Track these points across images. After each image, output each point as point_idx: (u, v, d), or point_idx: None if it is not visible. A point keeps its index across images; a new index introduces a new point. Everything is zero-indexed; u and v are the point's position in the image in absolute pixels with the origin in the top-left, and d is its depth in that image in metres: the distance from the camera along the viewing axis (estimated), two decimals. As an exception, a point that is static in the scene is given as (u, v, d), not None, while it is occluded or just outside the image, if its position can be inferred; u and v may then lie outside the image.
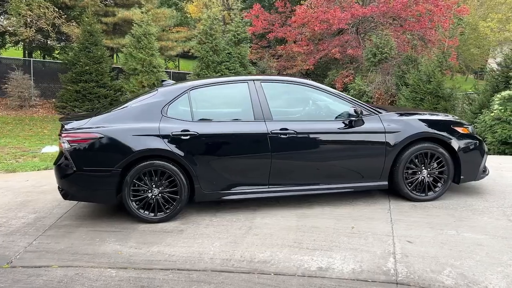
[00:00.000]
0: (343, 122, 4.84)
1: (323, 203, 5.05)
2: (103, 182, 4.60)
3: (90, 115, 4.99)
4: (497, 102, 10.93)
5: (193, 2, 27.49)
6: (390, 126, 4.86)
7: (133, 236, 4.39)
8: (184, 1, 28.73)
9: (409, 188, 4.95)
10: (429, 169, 4.94)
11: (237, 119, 4.85)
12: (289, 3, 20.23)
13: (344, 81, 17.23)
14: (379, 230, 4.25)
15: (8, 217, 5.10)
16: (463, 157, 4.92)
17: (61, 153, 4.78)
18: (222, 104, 5.13)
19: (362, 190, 4.99)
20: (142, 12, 17.36)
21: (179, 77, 19.75)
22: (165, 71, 17.86)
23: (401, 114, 5.07)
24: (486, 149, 5.15)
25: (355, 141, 4.83)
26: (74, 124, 4.72)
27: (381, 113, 4.96)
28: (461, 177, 4.97)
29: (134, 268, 3.72)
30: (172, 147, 4.59)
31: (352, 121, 4.80)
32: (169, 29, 23.72)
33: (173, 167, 4.63)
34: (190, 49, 24.59)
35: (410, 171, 4.93)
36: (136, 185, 4.62)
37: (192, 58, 31.39)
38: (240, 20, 18.04)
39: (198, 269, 3.64)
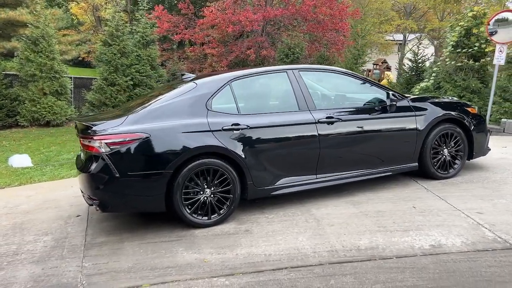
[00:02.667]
0: (381, 108, 4.95)
1: (361, 190, 5.09)
2: (152, 186, 4.08)
3: (118, 114, 4.39)
4: (417, 92, 12.11)
5: (78, 3, 25.45)
6: (418, 109, 5.10)
7: (200, 242, 3.97)
8: (68, 2, 26.47)
9: (435, 168, 5.25)
10: (449, 148, 5.30)
11: (282, 110, 4.66)
12: (192, 4, 19.91)
13: (257, 81, 17.44)
14: (441, 207, 4.45)
15: (15, 242, 4.24)
16: (475, 135, 5.38)
17: (90, 158, 4.11)
18: (264, 95, 4.89)
19: (397, 172, 5.15)
20: (32, 12, 15.57)
21: (82, 83, 18.11)
22: (68, 77, 16.30)
23: (419, 99, 5.36)
24: (487, 127, 5.70)
25: (394, 125, 4.97)
26: (109, 124, 4.11)
27: (407, 97, 5.19)
28: (474, 153, 5.43)
29: (241, 273, 3.37)
30: (225, 143, 4.26)
31: (390, 106, 4.93)
32: (57, 32, 21.66)
33: (225, 164, 4.29)
34: (79, 55, 22.88)
35: (433, 151, 5.23)
36: (188, 187, 4.18)
37: (75, 64, 29.16)
38: (147, 21, 17.27)
39: (314, 264, 3.43)
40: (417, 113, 5.07)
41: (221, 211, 4.33)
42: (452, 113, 5.25)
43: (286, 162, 4.55)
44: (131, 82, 16.61)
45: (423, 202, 4.61)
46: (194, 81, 4.54)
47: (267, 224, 4.30)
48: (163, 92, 4.66)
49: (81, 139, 4.30)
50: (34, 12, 15.54)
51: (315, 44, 18.55)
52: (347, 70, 5.16)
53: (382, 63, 31.44)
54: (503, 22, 8.64)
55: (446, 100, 5.60)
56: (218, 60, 18.22)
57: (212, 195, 4.28)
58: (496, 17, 8.83)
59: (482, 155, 5.60)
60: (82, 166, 4.25)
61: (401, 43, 35.47)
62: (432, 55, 17.38)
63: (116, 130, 4.02)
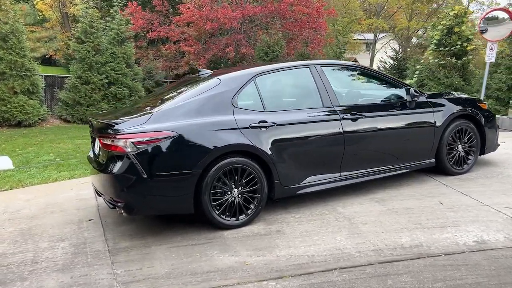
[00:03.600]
0: (402, 104, 4.92)
1: (380, 187, 5.02)
2: (181, 187, 3.87)
3: (139, 111, 4.16)
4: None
5: (44, -1, 24.42)
6: (436, 105, 5.10)
7: (233, 244, 3.79)
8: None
9: (451, 163, 5.27)
10: (462, 144, 5.33)
11: (306, 107, 4.53)
12: (166, 1, 19.46)
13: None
14: (467, 202, 4.45)
15: (29, 250, 3.94)
16: (487, 131, 5.43)
17: (112, 158, 3.87)
18: (288, 91, 4.77)
19: (416, 169, 5.12)
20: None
21: (54, 81, 17.32)
22: (39, 75, 15.63)
23: (435, 95, 5.36)
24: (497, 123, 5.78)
25: (414, 121, 4.95)
26: (133, 122, 3.88)
27: (424, 93, 5.18)
28: (486, 149, 5.48)
29: (290, 276, 3.23)
30: (253, 141, 4.10)
31: (410, 102, 4.91)
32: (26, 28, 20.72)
33: (253, 162, 4.13)
34: (47, 53, 22.02)
35: (448, 147, 5.24)
36: (216, 187, 4.00)
37: (41, 63, 28.05)
38: (121, 18, 16.80)
39: (364, 264, 3.32)
40: (435, 109, 5.07)
41: (248, 212, 4.17)
42: (467, 109, 5.28)
43: (312, 160, 4.44)
44: (106, 81, 16.16)
45: (447, 198, 4.60)
46: (218, 77, 4.35)
47: (297, 224, 4.18)
48: (183, 89, 4.46)
49: (100, 138, 4.05)
50: (3, 7, 14.77)
51: (292, 43, 18.53)
52: (366, 66, 5.10)
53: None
54: (493, 20, 8.86)
55: (460, 96, 5.64)
56: (195, 58, 17.90)
57: (239, 195, 4.11)
58: (487, 16, 9.04)
59: (493, 150, 5.67)
60: (103, 167, 3.99)
61: (370, 42, 36.13)
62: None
63: (143, 129, 3.79)
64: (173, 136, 3.81)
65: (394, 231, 3.86)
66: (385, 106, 4.89)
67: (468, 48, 11.50)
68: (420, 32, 31.43)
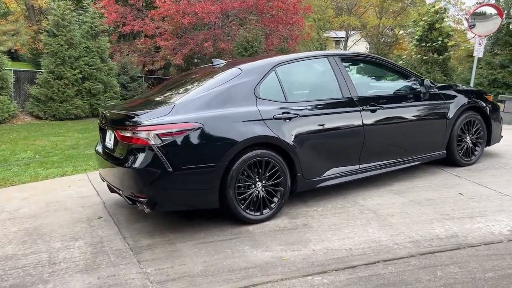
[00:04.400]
0: (417, 95, 4.89)
1: (394, 179, 4.99)
2: (206, 181, 3.69)
3: (157, 102, 3.96)
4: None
5: (7, -10, 23.30)
6: (447, 97, 5.11)
7: (262, 239, 3.65)
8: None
9: (460, 155, 5.30)
10: (470, 136, 5.37)
11: (326, 97, 4.43)
12: (141, -5, 18.97)
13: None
14: (485, 192, 4.47)
15: (42, 250, 3.68)
16: (492, 123, 5.49)
17: (132, 152, 3.65)
18: (307, 81, 4.64)
19: (429, 160, 5.11)
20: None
21: (24, 76, 16.49)
22: (8, 69, 14.90)
23: (445, 87, 5.37)
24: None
25: (429, 112, 4.94)
26: (155, 113, 3.66)
27: (436, 85, 5.18)
28: (491, 140, 5.55)
29: (334, 270, 3.11)
30: (277, 132, 3.96)
31: (425, 94, 4.90)
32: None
33: (276, 155, 4.00)
34: (13, 47, 21.08)
35: (457, 139, 5.26)
36: (240, 180, 3.85)
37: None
38: (95, 11, 16.25)
39: (406, 256, 3.24)
40: (447, 101, 5.08)
41: (272, 205, 4.04)
42: (476, 101, 5.32)
43: (333, 152, 4.35)
44: (80, 76, 15.61)
45: (464, 188, 4.61)
46: (238, 67, 4.18)
47: (322, 217, 4.07)
48: (200, 79, 4.28)
49: (118, 131, 3.81)
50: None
51: (269, 38, 18.43)
52: (382, 57, 5.05)
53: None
54: (481, 16, 9.02)
55: (467, 88, 5.68)
56: (172, 53, 17.49)
57: (263, 189, 3.97)
58: (475, 11, 9.21)
59: (497, 142, 5.74)
60: (120, 161, 3.75)
61: (340, 40, 36.61)
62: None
63: (166, 120, 3.59)
64: (199, 128, 3.63)
65: (425, 222, 3.81)
66: (401, 98, 4.86)
67: (448, 44, 11.72)
68: (387, 31, 32.06)
